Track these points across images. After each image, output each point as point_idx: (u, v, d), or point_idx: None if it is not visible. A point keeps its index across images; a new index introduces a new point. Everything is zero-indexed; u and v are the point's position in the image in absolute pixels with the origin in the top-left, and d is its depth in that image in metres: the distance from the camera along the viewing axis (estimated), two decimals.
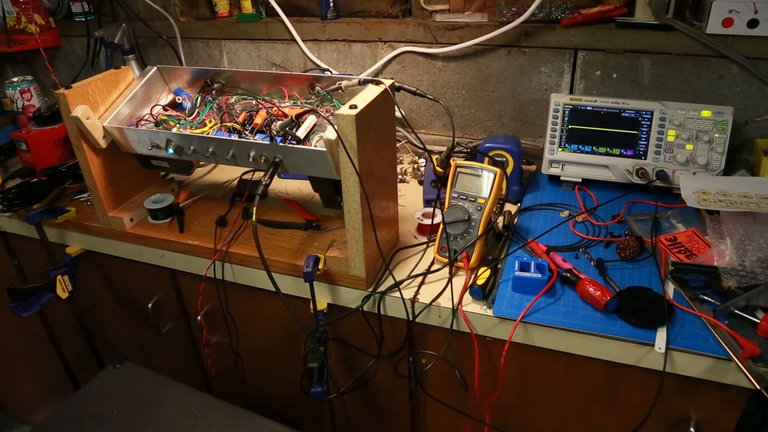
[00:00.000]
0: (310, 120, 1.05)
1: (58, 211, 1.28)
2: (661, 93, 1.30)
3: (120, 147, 1.18)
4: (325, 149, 0.93)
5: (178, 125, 1.14)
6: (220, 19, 1.71)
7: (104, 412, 1.16)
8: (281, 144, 1.00)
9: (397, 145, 1.53)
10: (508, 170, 1.23)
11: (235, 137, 1.07)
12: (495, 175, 1.02)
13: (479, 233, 1.03)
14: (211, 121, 1.12)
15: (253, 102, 1.14)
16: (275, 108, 1.10)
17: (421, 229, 1.18)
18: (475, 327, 0.96)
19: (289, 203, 1.28)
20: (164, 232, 1.21)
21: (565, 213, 1.20)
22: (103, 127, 1.13)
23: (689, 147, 1.17)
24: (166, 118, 1.16)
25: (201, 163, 1.52)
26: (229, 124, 1.10)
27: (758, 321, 0.85)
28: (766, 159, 1.15)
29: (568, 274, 0.97)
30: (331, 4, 1.54)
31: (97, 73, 1.22)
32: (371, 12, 1.57)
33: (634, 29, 1.25)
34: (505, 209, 1.21)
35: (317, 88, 1.12)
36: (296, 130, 1.02)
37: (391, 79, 1.03)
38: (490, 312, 0.95)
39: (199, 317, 1.26)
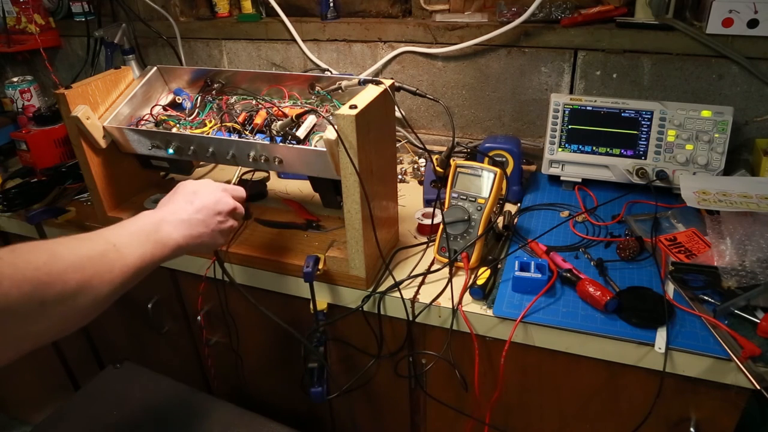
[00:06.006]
0: (310, 120, 1.05)
1: (58, 211, 1.28)
2: (661, 93, 1.30)
3: (120, 147, 1.18)
4: (325, 149, 0.93)
5: (178, 125, 1.14)
6: (220, 19, 1.70)
7: (104, 412, 1.16)
8: (281, 144, 1.00)
9: (397, 145, 1.53)
10: (508, 170, 1.23)
11: (235, 137, 1.07)
12: (495, 175, 1.02)
13: (479, 233, 1.02)
14: (211, 121, 1.12)
15: (253, 102, 1.14)
16: (275, 108, 1.10)
17: (421, 229, 1.18)
18: (475, 327, 0.96)
19: (289, 203, 1.28)
20: None
21: (565, 213, 1.20)
22: (103, 127, 1.13)
23: (689, 147, 1.17)
24: (166, 118, 1.16)
25: (201, 163, 1.52)
26: (229, 124, 1.10)
27: (758, 321, 0.85)
28: (766, 159, 1.15)
29: (568, 274, 0.97)
30: (331, 4, 1.54)
31: (97, 73, 1.22)
32: (371, 12, 1.57)
33: (634, 29, 1.25)
34: (505, 209, 1.21)
35: (317, 88, 1.11)
36: (296, 130, 1.02)
37: (391, 79, 1.03)
38: (490, 312, 0.95)
39: (199, 317, 1.25)
